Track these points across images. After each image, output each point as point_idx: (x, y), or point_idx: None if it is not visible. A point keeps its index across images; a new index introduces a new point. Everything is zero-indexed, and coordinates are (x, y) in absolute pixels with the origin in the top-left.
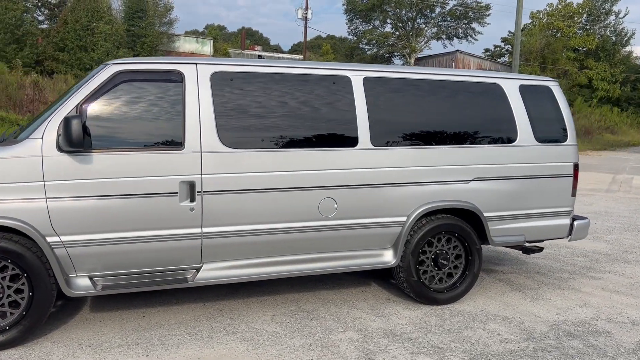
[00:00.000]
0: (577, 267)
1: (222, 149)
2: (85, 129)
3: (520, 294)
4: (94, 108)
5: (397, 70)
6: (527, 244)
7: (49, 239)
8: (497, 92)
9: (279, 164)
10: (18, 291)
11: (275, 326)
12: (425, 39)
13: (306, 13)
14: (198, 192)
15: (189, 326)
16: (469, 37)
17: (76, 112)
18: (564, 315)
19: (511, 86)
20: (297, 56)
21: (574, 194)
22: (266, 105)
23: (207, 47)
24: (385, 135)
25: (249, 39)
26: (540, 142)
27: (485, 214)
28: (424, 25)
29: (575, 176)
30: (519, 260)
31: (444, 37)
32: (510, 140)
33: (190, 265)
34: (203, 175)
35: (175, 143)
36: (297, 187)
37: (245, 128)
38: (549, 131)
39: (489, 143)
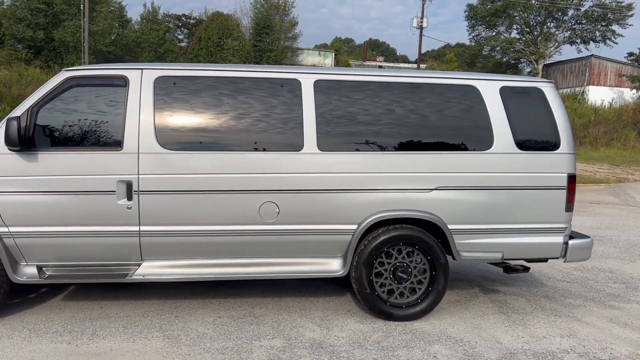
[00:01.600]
0: (602, 293)
1: (159, 150)
2: (33, 130)
3: (501, 317)
4: (45, 110)
5: (351, 73)
6: (512, 263)
7: (10, 229)
8: (471, 95)
9: (217, 167)
10: None
11: (209, 328)
12: (556, 44)
13: (421, 22)
14: (135, 191)
15: (132, 320)
16: (607, 40)
17: (27, 114)
18: (531, 344)
19: (489, 88)
20: (419, 65)
21: (569, 209)
22: (207, 108)
23: (329, 60)
24: (335, 140)
25: (375, 50)
26: (523, 149)
27: (451, 227)
28: (554, 29)
29: (571, 189)
30: (536, 282)
31: (578, 41)
32: (484, 147)
33: (130, 262)
34: (140, 176)
35: (115, 144)
36: (236, 190)
37: (184, 130)
38: (536, 138)
39: (456, 149)
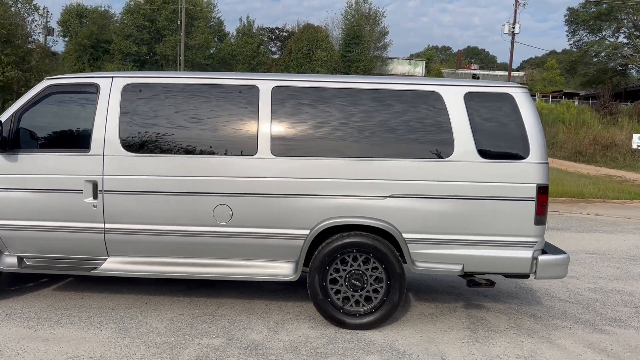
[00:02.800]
0: (601, 317)
1: (122, 152)
2: (16, 133)
3: (465, 333)
4: (27, 115)
5: (309, 80)
6: (476, 277)
7: None
8: (433, 101)
9: (174, 169)
10: None
11: (164, 323)
12: None
13: (513, 28)
14: (100, 190)
15: (99, 312)
16: None
17: (12, 119)
18: None
19: (453, 94)
20: (510, 73)
21: (540, 222)
22: (167, 113)
23: (419, 68)
24: (289, 145)
25: (474, 58)
26: (486, 157)
27: (406, 235)
28: None
29: (541, 201)
30: (533, 300)
31: None
32: (443, 154)
33: (97, 257)
34: (104, 176)
35: (84, 146)
36: (191, 192)
37: (145, 134)
38: (501, 146)
39: (413, 157)
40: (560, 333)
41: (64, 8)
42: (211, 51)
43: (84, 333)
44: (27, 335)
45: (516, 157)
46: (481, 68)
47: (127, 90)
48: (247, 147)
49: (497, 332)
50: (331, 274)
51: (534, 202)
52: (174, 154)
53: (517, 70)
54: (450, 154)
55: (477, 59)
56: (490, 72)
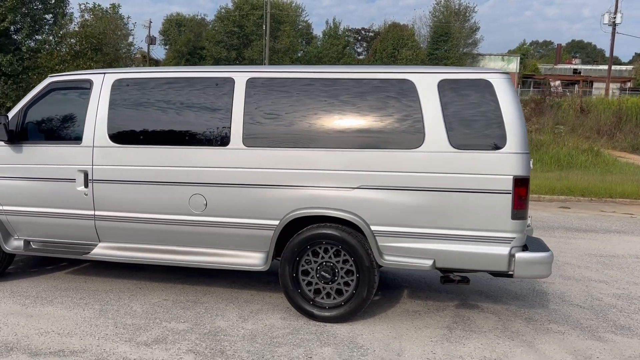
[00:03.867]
0: (609, 324)
1: (109, 144)
2: (21, 126)
3: (440, 332)
4: (32, 110)
5: (282, 70)
6: (452, 274)
7: (1, 208)
8: (405, 90)
9: (153, 160)
10: None
11: (144, 307)
12: None
13: (614, 18)
14: (90, 179)
15: (92, 294)
16: None
17: (19, 113)
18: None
19: (426, 82)
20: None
21: (518, 217)
22: (150, 106)
23: (513, 64)
24: (260, 136)
25: (579, 52)
26: (458, 148)
27: (375, 228)
28: None
29: (518, 193)
30: (540, 302)
31: None
32: (413, 145)
33: (90, 242)
34: (94, 166)
35: (77, 138)
36: (168, 181)
37: (129, 126)
38: (476, 136)
39: (382, 147)
40: (547, 338)
41: (165, 18)
42: (298, 54)
43: (67, 312)
44: (17, 311)
45: (491, 147)
46: (586, 62)
47: (116, 85)
48: (221, 138)
49: (475, 332)
50: (303, 266)
51: (510, 195)
52: (154, 145)
53: (627, 63)
54: (421, 144)
55: (582, 53)
56: (594, 67)
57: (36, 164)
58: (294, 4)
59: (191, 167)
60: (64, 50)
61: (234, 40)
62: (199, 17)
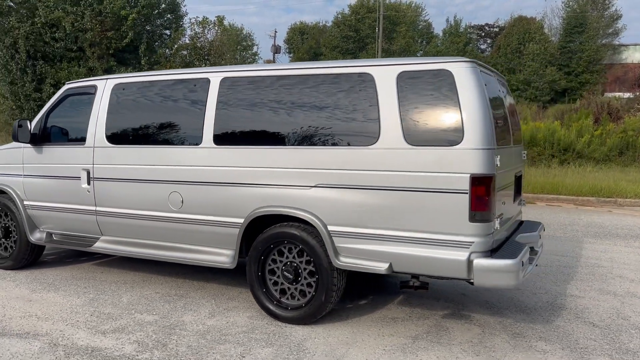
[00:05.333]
0: (616, 347)
1: (105, 144)
2: (42, 129)
3: (402, 342)
4: (52, 114)
5: (251, 69)
6: (413, 280)
7: (24, 202)
8: (365, 84)
9: (138, 159)
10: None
11: (131, 298)
12: None
13: None
14: (91, 177)
15: (95, 284)
16: None
17: (42, 117)
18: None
19: (385, 75)
20: None
21: (477, 219)
22: (139, 108)
23: None
24: (227, 134)
25: None
26: (413, 144)
27: (332, 228)
28: None
29: (476, 193)
30: (551, 316)
31: None
32: (368, 141)
33: (94, 235)
34: (94, 165)
35: (82, 139)
36: (152, 179)
37: (122, 127)
38: (432, 131)
39: (339, 144)
40: (520, 356)
41: (289, 27)
42: (418, 55)
43: (62, 299)
44: (22, 296)
45: (447, 143)
46: None
47: (115, 89)
48: (195, 137)
49: (441, 344)
50: (269, 265)
51: (467, 195)
52: (140, 144)
53: None
54: (376, 141)
55: None
56: None
57: (53, 164)
58: (413, 4)
59: (170, 166)
60: (177, 61)
61: (349, 45)
62: (322, 24)
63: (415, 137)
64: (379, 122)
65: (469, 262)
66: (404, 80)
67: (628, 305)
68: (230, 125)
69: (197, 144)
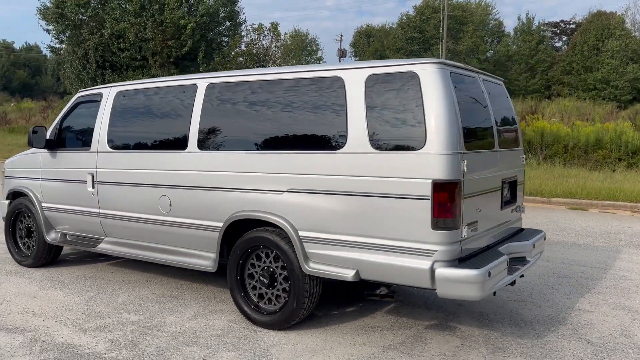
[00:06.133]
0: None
1: (107, 149)
2: (57, 135)
3: (369, 351)
4: (66, 121)
5: (231, 75)
6: (381, 288)
7: (42, 204)
8: (335, 88)
9: (132, 163)
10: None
11: (126, 297)
12: None
13: None
14: (95, 181)
15: (102, 283)
16: None
17: (57, 124)
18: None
19: (355, 78)
20: None
21: (440, 227)
22: (134, 113)
23: None
24: (209, 139)
25: None
26: (378, 149)
27: (302, 233)
28: None
29: (438, 200)
30: (545, 334)
31: None
32: (337, 146)
33: (100, 236)
34: (97, 170)
35: (88, 145)
36: (143, 183)
37: (121, 132)
38: (398, 135)
39: (309, 149)
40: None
41: (355, 31)
42: (488, 54)
43: (63, 297)
44: (29, 292)
45: (411, 147)
46: None
47: (117, 96)
48: (182, 143)
49: (412, 356)
50: (249, 269)
51: (428, 202)
52: (135, 150)
53: None
54: (343, 146)
55: None
56: None
57: (64, 168)
58: (482, 3)
59: (160, 170)
60: (234, 68)
61: (413, 47)
62: (388, 26)
63: (381, 142)
64: (347, 126)
65: (432, 271)
66: (372, 84)
67: (638, 322)
68: (212, 130)
69: (183, 149)
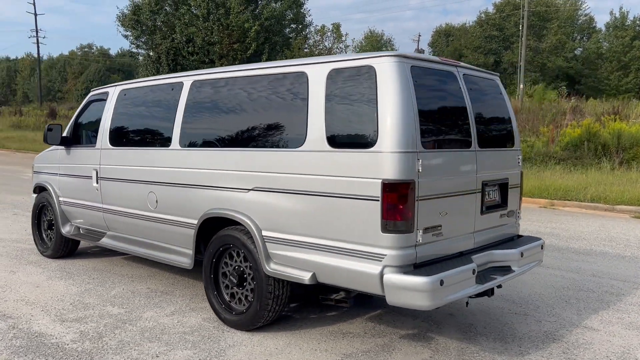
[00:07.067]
0: None
1: (108, 146)
2: (71, 133)
3: (321, 356)
4: (80, 119)
5: (210, 72)
6: (337, 295)
7: (59, 198)
8: (300, 84)
9: (127, 160)
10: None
11: (118, 290)
12: None
13: None
14: (99, 177)
15: (103, 276)
16: None
17: (72, 122)
18: None
19: (317, 73)
20: None
21: (390, 230)
22: (130, 111)
23: None
24: (190, 136)
25: None
26: (334, 146)
27: (266, 233)
28: None
29: (388, 201)
30: (534, 348)
31: None
32: (297, 143)
33: (104, 230)
34: (100, 166)
35: (93, 142)
36: (135, 180)
37: (120, 130)
38: (352, 132)
39: (272, 146)
40: None
41: (434, 30)
42: (576, 52)
43: (63, 288)
44: (35, 282)
45: (364, 145)
46: None
47: (119, 95)
48: (167, 140)
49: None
50: (222, 268)
51: (378, 203)
52: (130, 146)
53: None
54: (303, 143)
55: None
56: None
57: (76, 164)
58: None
59: (148, 167)
60: None
61: (492, 45)
62: (468, 24)
63: (337, 139)
64: (307, 123)
65: (381, 276)
66: (333, 79)
67: None
68: (192, 127)
69: (168, 146)
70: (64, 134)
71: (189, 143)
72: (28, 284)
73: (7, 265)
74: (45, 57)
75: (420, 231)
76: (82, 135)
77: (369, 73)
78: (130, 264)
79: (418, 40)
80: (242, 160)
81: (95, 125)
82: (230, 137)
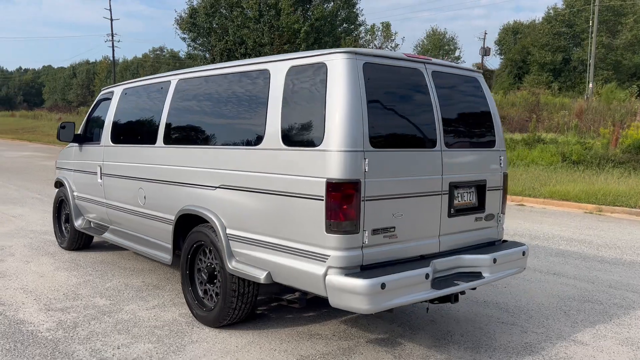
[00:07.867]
0: None
1: (109, 143)
2: (84, 131)
3: (280, 358)
4: (91, 118)
5: (191, 70)
6: (291, 295)
7: (73, 193)
8: (262, 81)
9: (122, 157)
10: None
11: (111, 283)
12: None
13: None
14: (102, 173)
15: (106, 268)
16: None
17: (86, 121)
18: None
19: (278, 70)
20: None
21: (334, 230)
22: (128, 109)
23: None
24: (171, 134)
25: None
26: (287, 144)
27: (230, 231)
28: None
29: (332, 201)
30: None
31: None
32: (257, 141)
33: (107, 224)
34: (103, 162)
35: (99, 139)
36: (129, 176)
37: (119, 127)
38: (303, 130)
39: (235, 144)
40: None
41: (501, 28)
42: None
43: (65, 278)
44: (41, 272)
45: (311, 143)
46: None
47: (122, 94)
48: (154, 137)
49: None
50: (197, 264)
51: (322, 202)
52: (123, 144)
53: None
54: (261, 141)
55: None
56: None
57: (85, 160)
58: None
59: (138, 164)
60: None
61: (560, 42)
62: (538, 21)
63: (290, 137)
64: (265, 120)
65: (324, 277)
66: (291, 76)
67: None
68: (173, 125)
69: (154, 144)
70: (78, 132)
71: (171, 140)
72: (34, 274)
73: (25, 255)
74: (120, 60)
75: (367, 232)
76: (91, 132)
77: (321, 70)
78: (137, 258)
79: (484, 38)
80: (211, 158)
81: (101, 123)
82: (204, 135)
